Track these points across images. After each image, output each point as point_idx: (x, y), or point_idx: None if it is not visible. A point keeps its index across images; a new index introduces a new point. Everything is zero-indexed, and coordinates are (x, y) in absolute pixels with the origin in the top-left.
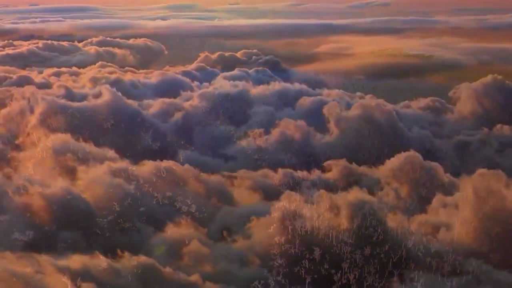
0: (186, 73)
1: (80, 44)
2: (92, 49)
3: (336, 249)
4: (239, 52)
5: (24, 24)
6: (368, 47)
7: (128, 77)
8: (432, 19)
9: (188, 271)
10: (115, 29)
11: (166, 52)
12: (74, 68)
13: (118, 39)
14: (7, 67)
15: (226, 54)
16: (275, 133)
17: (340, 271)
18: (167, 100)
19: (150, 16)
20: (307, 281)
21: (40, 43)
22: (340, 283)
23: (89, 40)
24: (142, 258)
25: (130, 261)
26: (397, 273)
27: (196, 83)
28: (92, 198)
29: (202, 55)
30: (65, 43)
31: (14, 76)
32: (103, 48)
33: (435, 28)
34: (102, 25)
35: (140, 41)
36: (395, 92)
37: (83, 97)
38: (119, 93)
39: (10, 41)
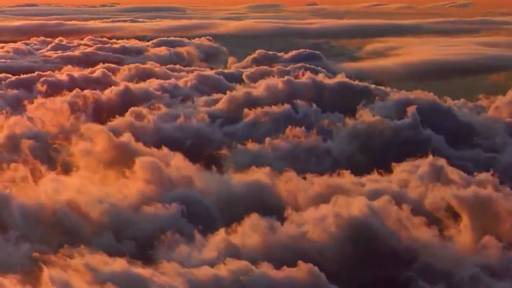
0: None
1: (149, 43)
2: (162, 50)
3: None
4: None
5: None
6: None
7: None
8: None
9: None
10: (191, 29)
11: (227, 51)
12: None
13: (185, 39)
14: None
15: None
16: None
17: None
18: None
19: (232, 16)
20: None
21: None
22: None
23: (156, 40)
24: None
25: None
26: None
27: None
28: None
29: (257, 54)
30: (136, 44)
31: None
32: (169, 48)
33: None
34: (180, 25)
35: (202, 41)
36: None
37: None
38: None
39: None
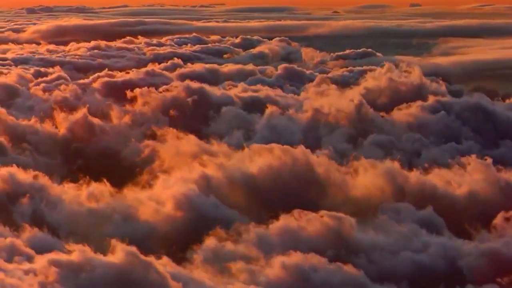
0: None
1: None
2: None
3: None
4: None
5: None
6: None
7: None
8: None
9: None
10: (289, 29)
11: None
12: None
13: (266, 40)
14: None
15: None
16: None
17: None
18: None
19: (334, 16)
20: None
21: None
22: None
23: (239, 40)
24: None
25: None
26: None
27: None
28: None
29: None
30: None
31: None
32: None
33: None
34: (280, 25)
35: (281, 41)
36: None
37: None
38: None
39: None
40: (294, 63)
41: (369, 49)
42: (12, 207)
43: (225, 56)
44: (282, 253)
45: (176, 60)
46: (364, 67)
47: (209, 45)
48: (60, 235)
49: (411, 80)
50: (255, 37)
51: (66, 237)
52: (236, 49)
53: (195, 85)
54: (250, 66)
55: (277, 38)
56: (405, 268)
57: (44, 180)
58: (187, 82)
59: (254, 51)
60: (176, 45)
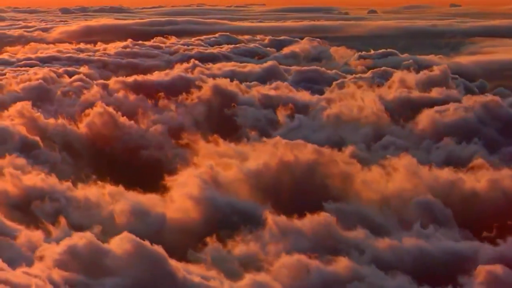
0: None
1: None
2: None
3: None
4: None
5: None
6: None
7: None
8: None
9: None
10: (325, 30)
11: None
12: None
13: (298, 39)
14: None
15: None
16: None
17: None
18: None
19: (372, 16)
20: None
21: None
22: None
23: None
24: None
25: None
26: None
27: None
28: None
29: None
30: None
31: None
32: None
33: None
34: (315, 25)
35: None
36: None
37: None
38: None
39: None
40: (324, 63)
41: (391, 49)
42: (36, 208)
43: (255, 56)
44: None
45: (204, 60)
46: (386, 68)
47: (240, 45)
48: None
49: (431, 80)
50: (287, 37)
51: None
52: (267, 49)
53: (222, 85)
54: (280, 66)
55: (308, 38)
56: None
57: (68, 180)
58: (215, 82)
59: (285, 51)
60: (206, 45)
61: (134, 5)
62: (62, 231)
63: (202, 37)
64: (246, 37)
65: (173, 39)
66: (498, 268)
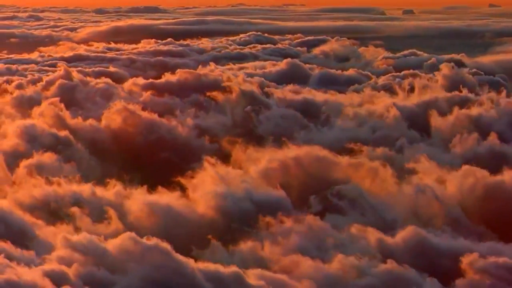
0: None
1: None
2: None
3: None
4: None
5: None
6: None
7: None
8: None
9: None
10: (359, 30)
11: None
12: None
13: (330, 38)
14: None
15: None
16: None
17: None
18: None
19: (409, 17)
20: None
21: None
22: None
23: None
24: None
25: None
26: None
27: None
28: None
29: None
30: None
31: None
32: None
33: None
34: (349, 25)
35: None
36: None
37: None
38: None
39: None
40: (352, 63)
41: (418, 50)
42: (59, 206)
43: (285, 56)
44: None
45: (233, 59)
46: (408, 70)
47: (270, 45)
48: None
49: (452, 80)
50: (318, 37)
51: None
52: (297, 48)
53: (249, 86)
54: (307, 66)
55: (339, 38)
56: None
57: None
58: (242, 82)
59: (315, 51)
60: (235, 45)
61: (173, 6)
62: (84, 229)
63: (232, 37)
64: (277, 37)
65: (202, 39)
66: None
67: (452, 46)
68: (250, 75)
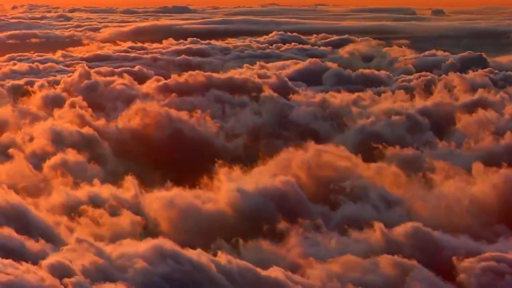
0: None
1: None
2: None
3: None
4: None
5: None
6: None
7: None
8: None
9: None
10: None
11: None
12: None
13: (357, 39)
14: None
15: None
16: None
17: None
18: None
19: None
20: None
21: None
22: None
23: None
24: None
25: None
26: None
27: None
28: None
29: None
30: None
31: None
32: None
33: None
34: (377, 25)
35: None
36: None
37: None
38: None
39: None
40: (376, 63)
41: (441, 50)
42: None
43: (310, 56)
44: None
45: (257, 59)
46: (427, 73)
47: (295, 44)
48: None
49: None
50: (343, 37)
51: None
52: (322, 48)
53: (274, 86)
54: (333, 66)
55: (364, 38)
56: None
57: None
58: (267, 82)
59: (340, 51)
60: (260, 44)
61: (203, 6)
62: (106, 227)
63: (257, 37)
64: (303, 37)
65: (227, 38)
66: None
67: (476, 46)
68: (273, 75)
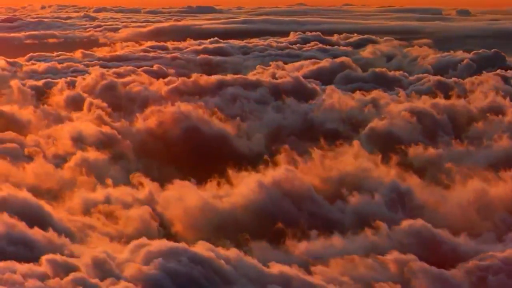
0: None
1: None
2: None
3: None
4: None
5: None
6: None
7: None
8: None
9: None
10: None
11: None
12: None
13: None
14: None
15: None
16: None
17: None
18: None
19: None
20: None
21: None
22: None
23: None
24: None
25: None
26: None
27: None
28: None
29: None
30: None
31: None
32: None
33: None
34: (401, 25)
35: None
36: None
37: None
38: None
39: None
40: (398, 63)
41: (460, 50)
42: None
43: (330, 56)
44: None
45: (278, 59)
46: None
47: (315, 44)
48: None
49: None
50: (364, 37)
51: None
52: (343, 48)
53: (295, 86)
54: (353, 66)
55: (386, 39)
56: None
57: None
58: (288, 82)
59: (362, 50)
60: (280, 44)
61: (228, 6)
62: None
63: (278, 37)
64: (325, 36)
65: (247, 39)
66: None
67: (500, 46)
68: (290, 74)
